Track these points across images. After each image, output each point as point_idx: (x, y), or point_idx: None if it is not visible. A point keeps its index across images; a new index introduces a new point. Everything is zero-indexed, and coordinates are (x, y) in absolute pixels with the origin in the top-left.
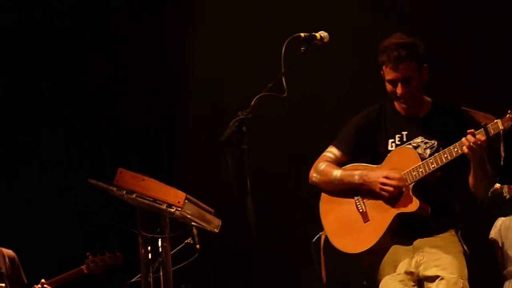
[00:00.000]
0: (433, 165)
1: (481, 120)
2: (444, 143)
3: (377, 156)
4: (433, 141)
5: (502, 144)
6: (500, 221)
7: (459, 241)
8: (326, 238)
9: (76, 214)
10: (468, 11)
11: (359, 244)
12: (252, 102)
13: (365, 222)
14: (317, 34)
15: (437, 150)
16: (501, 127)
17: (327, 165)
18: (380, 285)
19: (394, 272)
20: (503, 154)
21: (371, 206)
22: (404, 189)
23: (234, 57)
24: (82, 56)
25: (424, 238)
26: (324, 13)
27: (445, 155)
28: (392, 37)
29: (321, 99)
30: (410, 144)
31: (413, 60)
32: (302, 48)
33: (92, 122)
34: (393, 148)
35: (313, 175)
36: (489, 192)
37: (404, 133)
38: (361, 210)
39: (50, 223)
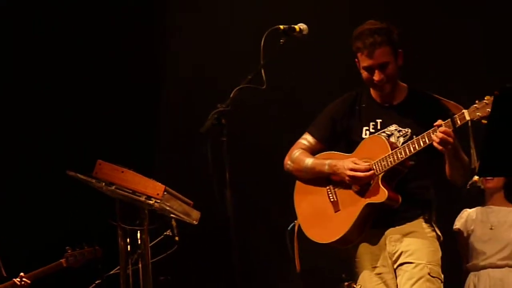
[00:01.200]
0: (401, 155)
1: (452, 109)
2: (417, 132)
3: (352, 143)
4: (406, 129)
5: (471, 136)
6: (466, 213)
7: (431, 226)
8: (300, 226)
9: (55, 206)
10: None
11: (329, 234)
12: (231, 95)
13: (335, 212)
14: (296, 27)
15: (410, 139)
16: (467, 117)
17: (300, 153)
18: (358, 280)
19: (371, 265)
20: (472, 146)
21: (342, 195)
22: (373, 179)
23: (214, 49)
24: (59, 48)
25: (395, 227)
26: (304, 5)
27: (414, 145)
28: (365, 23)
29: (298, 91)
30: (384, 132)
31: (388, 45)
32: (281, 40)
33: (71, 114)
34: (367, 136)
35: (287, 163)
36: (468, 185)
37: (379, 120)
38: (332, 200)
39: (29, 216)
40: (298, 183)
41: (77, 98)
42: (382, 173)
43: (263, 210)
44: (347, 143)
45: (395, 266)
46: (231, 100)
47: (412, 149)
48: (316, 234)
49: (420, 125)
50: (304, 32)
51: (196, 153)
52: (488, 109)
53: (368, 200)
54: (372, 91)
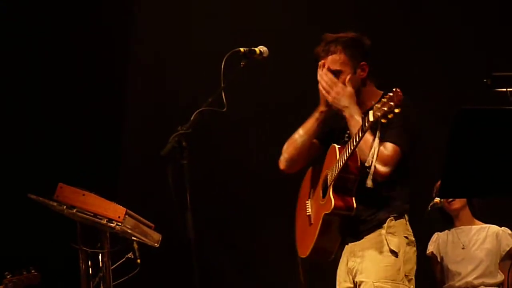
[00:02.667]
0: (342, 160)
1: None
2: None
3: None
4: None
5: (377, 136)
6: (436, 236)
7: (385, 240)
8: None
9: (15, 229)
10: None
11: (305, 248)
12: (192, 117)
13: (309, 226)
14: (256, 49)
15: None
16: (371, 118)
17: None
18: None
19: (340, 281)
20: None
21: (313, 209)
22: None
23: (176, 72)
24: (22, 65)
25: (355, 242)
26: (264, 27)
27: (350, 146)
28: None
29: (258, 111)
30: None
31: (343, 54)
32: (242, 63)
33: (32, 136)
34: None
35: (282, 156)
36: (429, 206)
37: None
38: (308, 214)
39: None
40: (299, 197)
41: (39, 119)
42: (333, 182)
43: (225, 232)
44: None
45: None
46: (192, 122)
47: (349, 149)
48: (300, 250)
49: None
50: (265, 55)
51: (157, 175)
52: (391, 103)
53: (324, 211)
54: None
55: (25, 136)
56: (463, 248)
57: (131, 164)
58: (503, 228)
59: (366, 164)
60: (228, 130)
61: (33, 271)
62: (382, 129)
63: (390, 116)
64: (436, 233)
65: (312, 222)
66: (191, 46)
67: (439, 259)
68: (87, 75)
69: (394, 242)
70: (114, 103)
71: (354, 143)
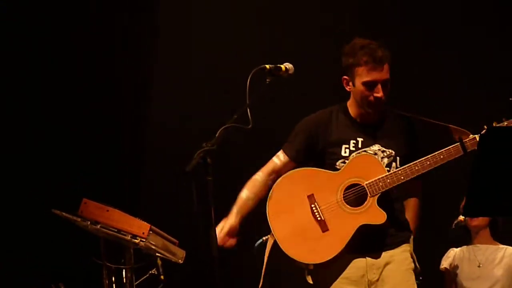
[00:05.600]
0: (402, 177)
1: (453, 133)
2: (400, 153)
3: (328, 160)
4: (390, 150)
5: None
6: (453, 252)
7: (411, 256)
8: (275, 243)
9: (40, 245)
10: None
11: (317, 255)
12: (217, 134)
13: (323, 232)
14: (282, 66)
15: (394, 160)
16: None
17: (250, 181)
18: None
19: None
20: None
21: (330, 215)
22: (368, 200)
23: (198, 89)
24: (40, 85)
25: (377, 254)
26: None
27: (416, 168)
28: (357, 39)
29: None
30: (365, 151)
31: (389, 63)
32: (267, 80)
33: (57, 152)
34: (347, 154)
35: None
36: (453, 224)
37: (360, 139)
38: (319, 219)
39: (13, 255)
40: (273, 198)
41: (63, 136)
42: (379, 194)
43: (248, 250)
44: (321, 160)
45: None
46: (217, 139)
47: (415, 171)
48: (301, 255)
49: (403, 146)
50: (290, 72)
51: (182, 192)
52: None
53: (364, 221)
54: (351, 109)
55: (50, 151)
56: (479, 266)
57: (155, 179)
58: None
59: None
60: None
61: (62, 287)
62: None
63: None
64: (451, 249)
65: (329, 228)
66: (217, 58)
67: (452, 275)
68: (110, 90)
69: (415, 260)
70: (137, 119)
71: (431, 163)
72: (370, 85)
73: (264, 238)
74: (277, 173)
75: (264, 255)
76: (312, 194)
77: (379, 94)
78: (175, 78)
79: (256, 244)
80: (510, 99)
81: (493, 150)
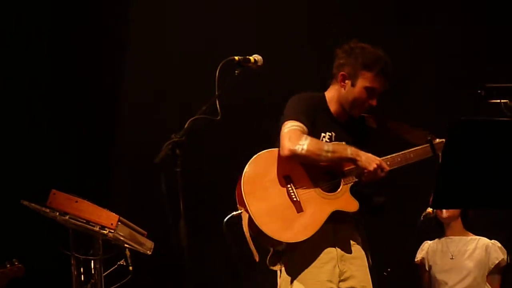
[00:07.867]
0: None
1: (405, 133)
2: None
3: None
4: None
5: None
6: (427, 245)
7: (368, 251)
8: (250, 218)
9: (7, 236)
10: None
11: (292, 234)
12: (186, 125)
13: (298, 213)
14: (251, 58)
15: None
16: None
17: (313, 138)
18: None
19: (318, 278)
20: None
21: (304, 196)
22: (341, 187)
23: (170, 79)
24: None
25: (346, 245)
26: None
27: (388, 162)
28: (379, 49)
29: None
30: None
31: None
32: (236, 71)
33: (25, 142)
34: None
35: (299, 146)
36: (422, 216)
37: (333, 133)
38: (294, 199)
39: None
40: (247, 175)
41: (31, 126)
42: (352, 183)
43: (218, 240)
44: None
45: (340, 285)
46: (186, 130)
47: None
48: (275, 231)
49: (362, 144)
50: (259, 63)
51: (150, 183)
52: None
53: (338, 207)
54: (331, 103)
55: (18, 142)
56: (451, 258)
57: (124, 171)
58: (493, 241)
59: None
60: (222, 137)
61: (16, 263)
62: None
63: None
64: (425, 242)
65: (304, 209)
66: (187, 50)
67: (427, 268)
68: (81, 77)
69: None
70: (107, 110)
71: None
72: (371, 92)
73: (234, 213)
74: None
75: (234, 231)
76: (289, 175)
77: (374, 103)
78: (146, 67)
79: (225, 219)
80: (478, 91)
81: (461, 142)
